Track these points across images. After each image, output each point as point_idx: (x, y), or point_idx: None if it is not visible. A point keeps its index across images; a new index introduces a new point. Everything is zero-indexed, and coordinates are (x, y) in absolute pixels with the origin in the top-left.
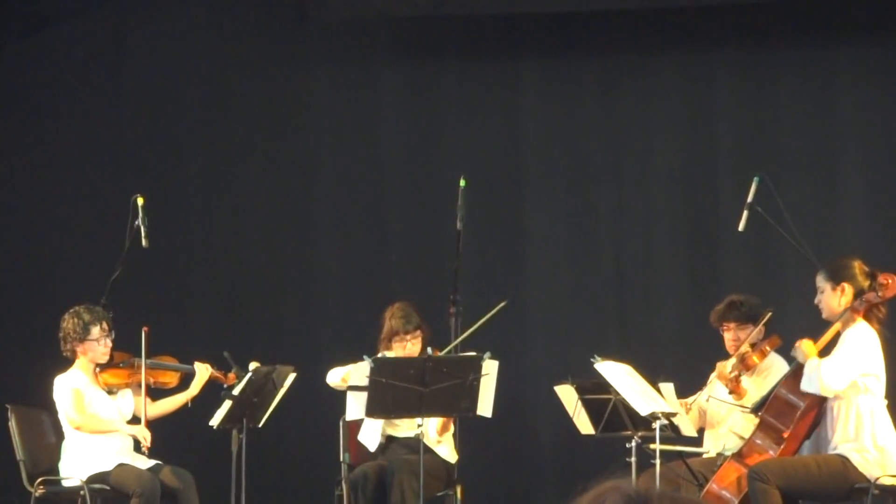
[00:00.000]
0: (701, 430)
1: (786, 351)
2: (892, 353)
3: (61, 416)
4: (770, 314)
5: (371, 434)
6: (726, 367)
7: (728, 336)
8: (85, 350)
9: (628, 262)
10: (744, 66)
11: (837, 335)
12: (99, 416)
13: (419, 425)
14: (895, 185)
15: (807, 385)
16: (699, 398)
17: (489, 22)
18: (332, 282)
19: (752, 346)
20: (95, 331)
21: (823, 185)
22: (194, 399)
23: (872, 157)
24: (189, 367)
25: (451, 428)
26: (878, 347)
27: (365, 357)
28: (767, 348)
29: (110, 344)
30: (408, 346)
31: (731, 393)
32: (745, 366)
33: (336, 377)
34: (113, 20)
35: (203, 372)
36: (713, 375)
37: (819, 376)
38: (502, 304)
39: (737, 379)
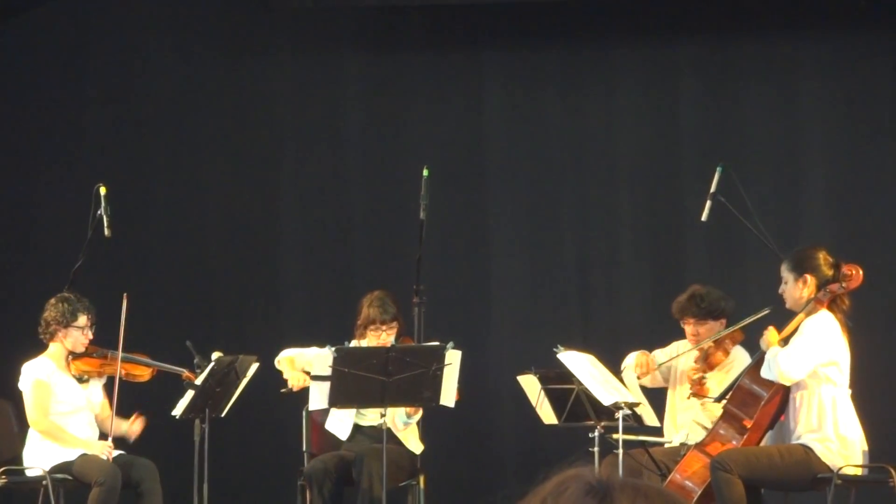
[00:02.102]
0: (662, 419)
1: (748, 343)
2: (855, 343)
3: (26, 407)
4: (767, 312)
5: (342, 423)
6: (689, 370)
7: (688, 329)
8: (66, 335)
9: (591, 251)
10: (707, 55)
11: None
12: (63, 427)
13: (382, 415)
14: (858, 176)
15: (766, 372)
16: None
17: (452, 12)
18: (296, 271)
19: (715, 342)
20: (83, 319)
21: (786, 176)
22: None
23: (835, 148)
24: (164, 364)
25: (421, 411)
26: (838, 336)
27: (328, 347)
28: (729, 344)
29: (91, 336)
30: (382, 336)
31: (695, 396)
32: (707, 364)
33: (277, 358)
34: (76, 9)
35: (136, 425)
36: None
37: (777, 364)
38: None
39: (700, 381)
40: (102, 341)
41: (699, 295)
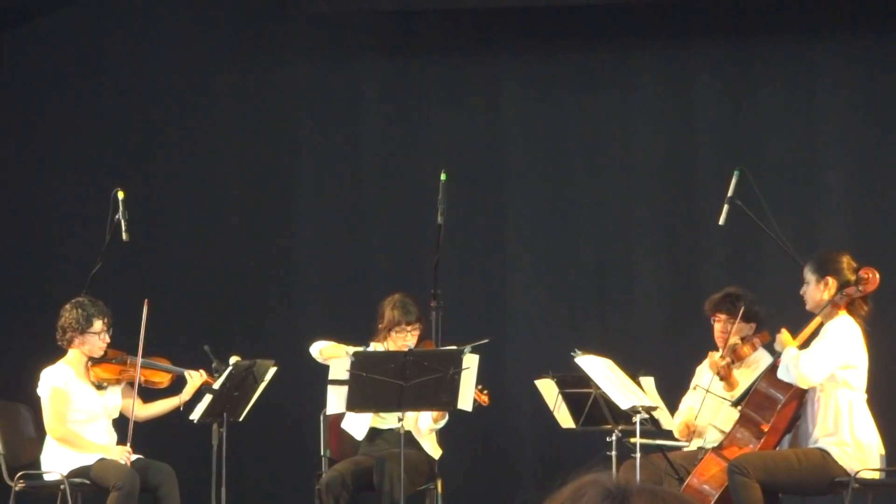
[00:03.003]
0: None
1: (772, 346)
2: (873, 347)
3: (43, 414)
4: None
5: (359, 423)
6: (716, 356)
7: (718, 327)
8: (83, 342)
9: (609, 255)
10: (724, 59)
11: (819, 327)
12: (80, 434)
13: (400, 419)
14: (874, 179)
15: (783, 374)
16: (693, 406)
17: (470, 16)
18: (313, 275)
19: (742, 339)
20: (98, 324)
21: (803, 179)
22: (186, 403)
23: (852, 152)
24: (181, 369)
25: (446, 417)
26: (859, 340)
27: (346, 351)
28: (757, 342)
29: (108, 340)
30: (407, 338)
31: (721, 380)
32: (735, 355)
33: (316, 349)
34: (92, 14)
35: (197, 379)
36: (697, 376)
37: (797, 366)
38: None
39: (728, 366)
40: (121, 345)
41: (735, 294)
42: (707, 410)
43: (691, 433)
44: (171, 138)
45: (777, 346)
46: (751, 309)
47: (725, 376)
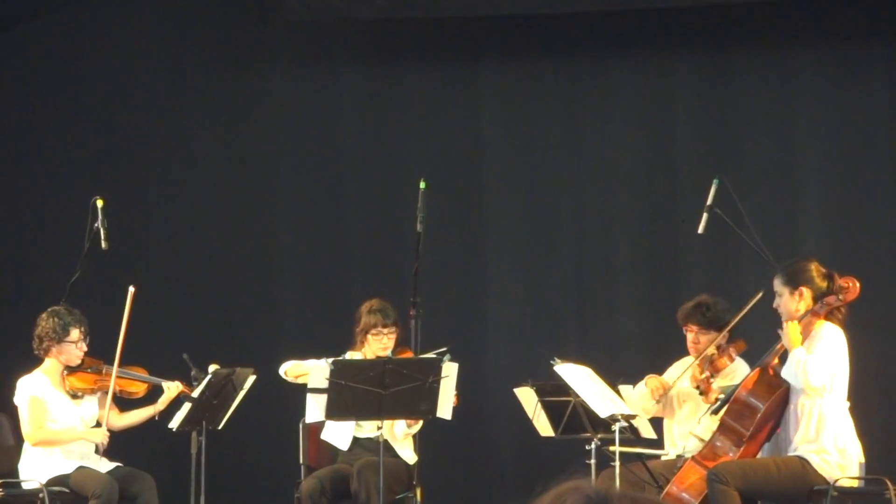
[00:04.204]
0: (660, 433)
1: (749, 355)
2: (852, 355)
3: (21, 422)
4: (761, 295)
5: (341, 434)
6: (696, 370)
7: (690, 337)
8: (60, 351)
9: (588, 263)
10: (703, 68)
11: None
12: (55, 429)
13: (379, 427)
14: (853, 187)
15: (789, 375)
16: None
17: (449, 24)
18: (293, 284)
19: (718, 348)
20: (75, 333)
21: (782, 188)
22: (161, 413)
23: (831, 160)
24: (158, 379)
25: (421, 422)
26: (846, 350)
27: (325, 360)
28: (733, 352)
29: (85, 348)
30: (384, 340)
31: (701, 394)
32: (714, 368)
33: (282, 370)
34: (72, 22)
35: (173, 389)
36: (673, 370)
37: (805, 371)
38: (444, 350)
39: (708, 380)
40: (99, 354)
41: (705, 304)
42: (688, 419)
43: (664, 388)
44: (151, 146)
45: (785, 342)
46: (722, 317)
47: (705, 390)
